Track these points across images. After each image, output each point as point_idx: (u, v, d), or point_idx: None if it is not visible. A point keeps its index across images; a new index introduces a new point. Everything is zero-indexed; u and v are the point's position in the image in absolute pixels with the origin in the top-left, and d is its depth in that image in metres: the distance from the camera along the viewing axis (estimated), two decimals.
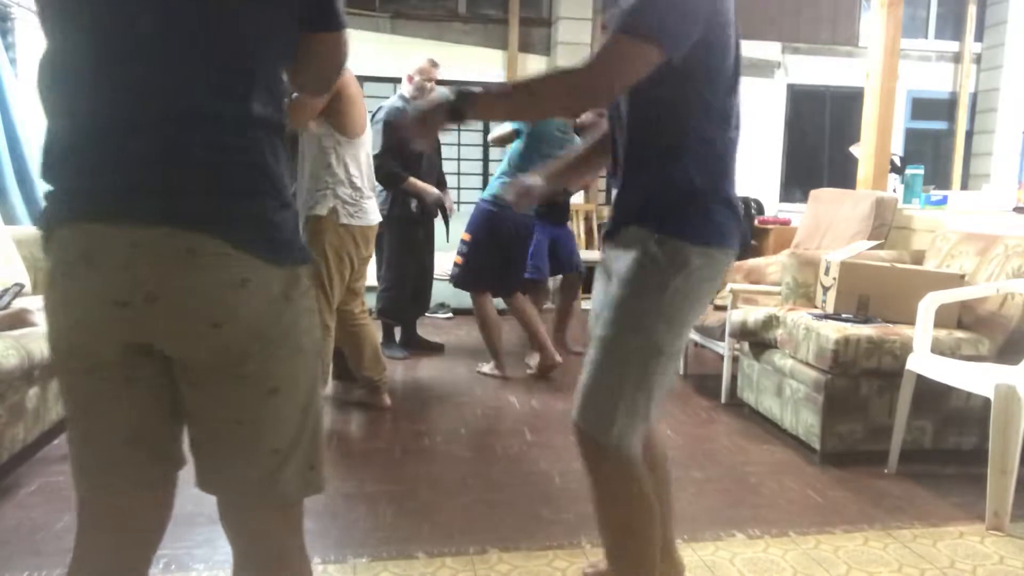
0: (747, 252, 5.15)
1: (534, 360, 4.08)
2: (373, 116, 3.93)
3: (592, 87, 1.34)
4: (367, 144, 3.11)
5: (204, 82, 1.00)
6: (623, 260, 1.48)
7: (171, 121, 0.98)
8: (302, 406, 1.10)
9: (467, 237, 3.90)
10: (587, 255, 6.40)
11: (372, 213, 3.11)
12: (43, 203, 1.04)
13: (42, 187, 2.21)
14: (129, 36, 0.98)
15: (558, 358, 3.94)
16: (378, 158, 3.75)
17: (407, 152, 4.05)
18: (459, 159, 6.93)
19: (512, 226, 3.87)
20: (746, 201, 5.42)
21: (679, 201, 1.44)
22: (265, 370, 1.05)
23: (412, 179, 4.05)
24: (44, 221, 1.02)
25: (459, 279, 3.94)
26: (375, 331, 3.40)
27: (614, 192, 1.58)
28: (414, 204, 4.12)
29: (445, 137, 4.68)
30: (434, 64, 4.18)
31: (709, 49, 1.36)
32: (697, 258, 1.43)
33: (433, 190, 4.11)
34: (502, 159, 4.04)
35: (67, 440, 1.15)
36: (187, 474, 2.46)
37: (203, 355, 1.03)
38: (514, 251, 3.95)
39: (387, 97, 6.64)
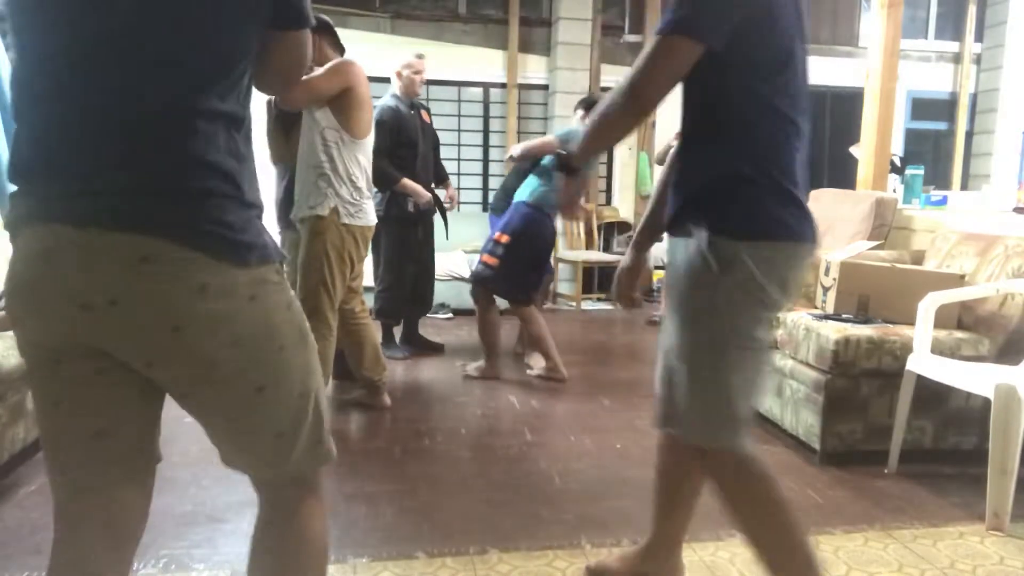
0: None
1: (534, 360, 4.09)
2: None
3: (641, 90, 1.38)
4: (369, 146, 3.12)
5: (153, 83, 0.98)
6: (680, 257, 1.50)
7: (124, 124, 0.98)
8: (297, 393, 1.12)
9: (504, 239, 3.82)
10: (587, 255, 6.42)
11: (371, 213, 3.11)
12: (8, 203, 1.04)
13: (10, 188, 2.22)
14: (79, 42, 0.98)
15: (565, 374, 3.91)
16: (372, 158, 3.78)
17: (401, 152, 4.07)
18: (459, 159, 6.93)
19: (550, 233, 3.91)
20: None
21: (726, 192, 1.44)
22: (244, 373, 1.06)
23: (405, 180, 4.05)
24: (10, 220, 1.03)
25: (490, 279, 3.83)
26: (375, 331, 3.40)
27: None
28: (411, 204, 4.12)
29: (444, 137, 4.69)
30: (420, 57, 4.19)
31: (746, 35, 1.37)
32: (748, 255, 1.41)
33: (425, 193, 4.10)
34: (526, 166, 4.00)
35: (40, 438, 1.14)
36: (187, 475, 2.46)
37: (169, 363, 1.03)
38: (543, 256, 4.00)
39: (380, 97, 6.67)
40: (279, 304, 1.09)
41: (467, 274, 5.81)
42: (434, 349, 4.58)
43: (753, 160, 1.42)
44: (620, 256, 6.63)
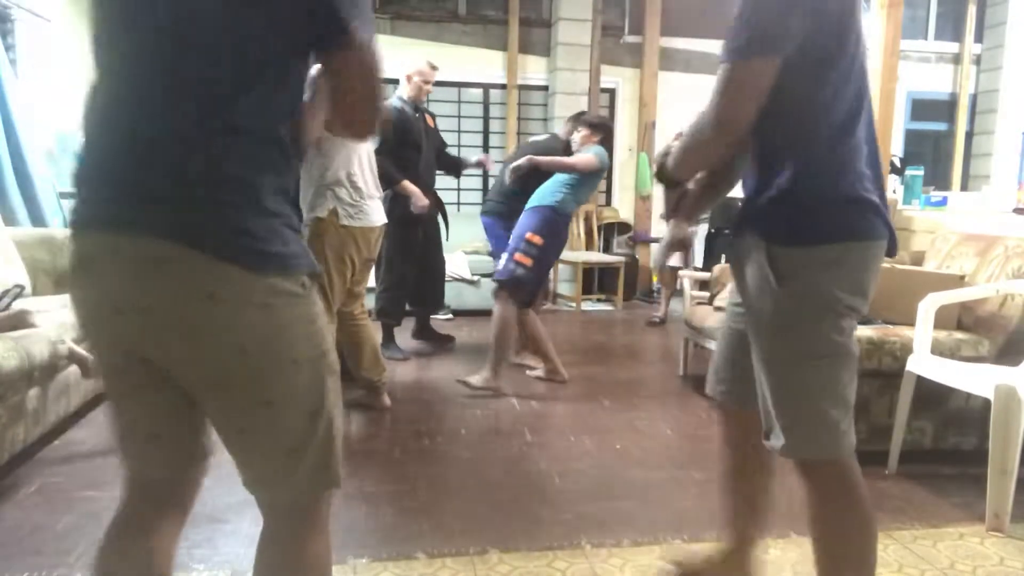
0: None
1: (532, 360, 4.10)
2: None
3: (729, 122, 1.35)
4: (369, 144, 3.12)
5: (171, 101, 1.00)
6: (745, 268, 1.49)
7: (148, 137, 1.01)
8: (307, 413, 1.09)
9: (539, 240, 3.77)
10: (587, 256, 6.42)
11: (374, 214, 3.10)
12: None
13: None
14: (120, 56, 1.04)
15: (566, 375, 3.93)
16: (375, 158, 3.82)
17: (405, 153, 4.09)
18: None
19: (566, 235, 3.96)
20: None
21: (781, 199, 1.40)
22: (252, 384, 1.04)
23: (405, 182, 4.07)
24: (69, 228, 1.09)
25: (526, 280, 3.77)
26: (374, 332, 3.40)
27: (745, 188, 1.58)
28: (412, 204, 4.15)
29: (444, 138, 4.69)
30: (433, 67, 4.24)
31: (801, 42, 1.33)
32: (809, 261, 1.38)
33: (423, 198, 4.12)
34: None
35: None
36: None
37: (187, 368, 1.05)
38: (557, 260, 4.04)
39: (388, 98, 6.67)
40: (298, 317, 1.06)
41: (468, 275, 5.82)
42: (446, 341, 4.69)
43: (816, 171, 1.38)
44: (620, 257, 6.65)
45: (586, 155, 3.82)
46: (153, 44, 1.02)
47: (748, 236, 1.45)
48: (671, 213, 1.71)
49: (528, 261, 3.72)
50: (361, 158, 3.03)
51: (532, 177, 3.98)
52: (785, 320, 1.40)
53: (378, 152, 3.94)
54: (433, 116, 4.51)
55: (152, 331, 1.02)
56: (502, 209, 4.24)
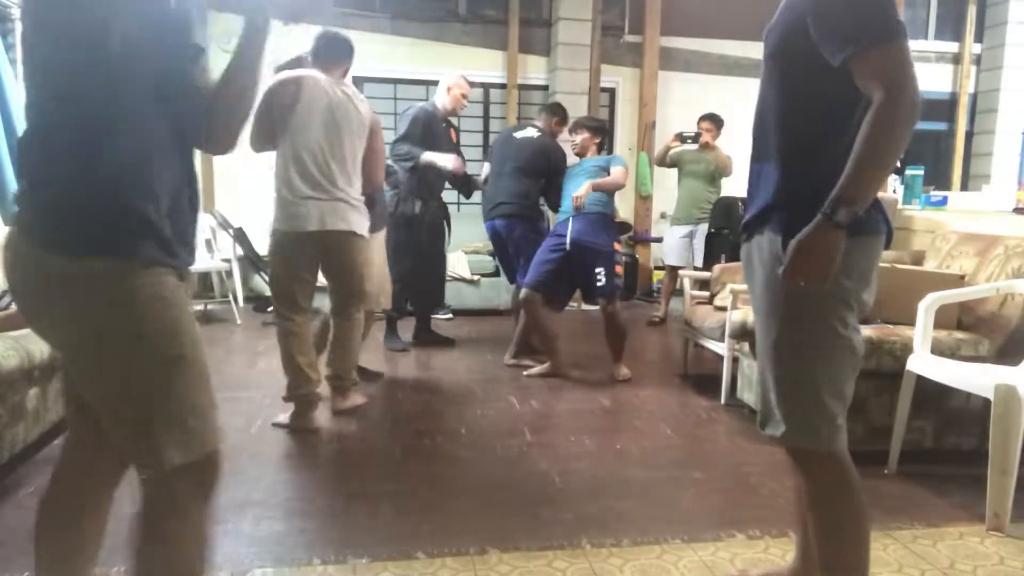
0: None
1: (530, 359, 4.16)
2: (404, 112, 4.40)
3: (911, 103, 1.30)
4: (314, 138, 2.97)
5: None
6: (756, 260, 1.51)
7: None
8: (117, 393, 1.21)
9: (619, 247, 4.11)
10: None
11: (306, 218, 2.95)
12: None
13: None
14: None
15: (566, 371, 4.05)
16: (396, 143, 4.13)
17: (431, 145, 4.24)
18: None
19: None
20: (745, 202, 5.41)
21: (801, 197, 1.41)
22: (71, 357, 1.25)
23: (427, 154, 4.17)
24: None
25: (621, 284, 4.11)
26: (356, 336, 3.29)
27: (753, 188, 1.58)
28: (418, 206, 4.22)
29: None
30: (471, 85, 4.51)
31: None
32: None
33: (450, 160, 4.20)
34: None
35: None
36: None
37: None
38: None
39: (388, 98, 6.69)
40: (97, 298, 1.15)
41: (468, 275, 5.82)
42: (444, 344, 4.72)
43: (836, 160, 1.37)
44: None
45: (619, 167, 4.08)
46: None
47: (767, 233, 1.48)
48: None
49: (620, 269, 4.06)
50: (298, 155, 2.95)
51: (551, 183, 4.24)
52: (794, 309, 1.44)
53: (402, 139, 4.17)
54: (457, 132, 4.63)
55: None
56: (523, 212, 4.30)
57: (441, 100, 4.36)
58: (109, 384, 1.18)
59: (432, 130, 4.26)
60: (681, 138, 5.62)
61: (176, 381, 1.18)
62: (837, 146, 1.38)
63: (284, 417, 3.04)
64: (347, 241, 3.05)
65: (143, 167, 1.18)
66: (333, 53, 3.13)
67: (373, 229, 3.45)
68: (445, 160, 4.18)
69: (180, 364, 1.18)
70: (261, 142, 3.00)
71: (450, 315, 5.69)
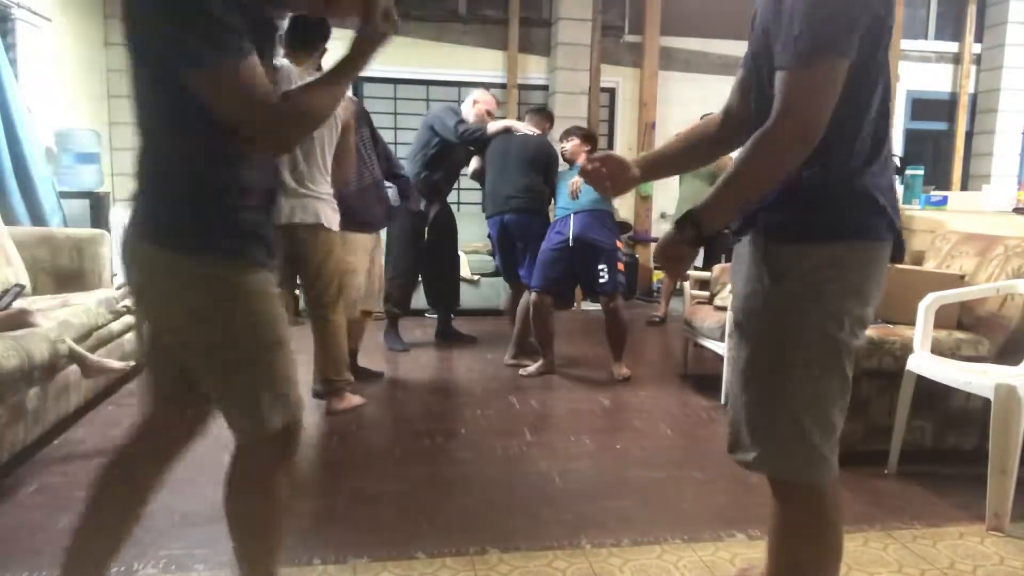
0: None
1: (526, 359, 4.18)
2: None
3: (802, 132, 1.20)
4: (313, 142, 2.96)
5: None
6: (741, 265, 1.40)
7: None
8: (222, 364, 1.39)
9: (620, 244, 4.18)
10: None
11: (289, 212, 2.93)
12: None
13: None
14: None
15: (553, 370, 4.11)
16: (459, 124, 4.26)
17: (447, 166, 4.46)
18: None
19: None
20: None
21: (789, 196, 1.29)
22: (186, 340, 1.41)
23: (496, 123, 4.43)
24: None
25: (623, 279, 4.19)
26: (342, 338, 3.22)
27: None
28: (423, 203, 4.28)
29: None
30: (497, 101, 4.69)
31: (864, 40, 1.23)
32: (808, 259, 1.28)
33: (520, 125, 4.47)
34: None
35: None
36: (187, 475, 2.45)
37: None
38: None
39: (388, 98, 6.69)
40: (220, 294, 1.35)
41: (468, 274, 5.82)
42: (467, 341, 4.86)
43: (828, 159, 1.26)
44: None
45: None
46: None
47: (751, 235, 1.37)
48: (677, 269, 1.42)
49: (622, 267, 4.12)
50: (293, 157, 2.94)
51: (547, 180, 4.32)
52: (776, 322, 1.31)
53: (461, 120, 4.32)
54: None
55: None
56: (535, 206, 4.36)
57: (467, 111, 4.47)
58: (225, 363, 1.37)
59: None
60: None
61: (276, 360, 1.39)
62: (833, 146, 1.26)
63: None
64: (315, 234, 3.02)
65: (251, 176, 1.35)
66: (304, 39, 2.99)
67: (367, 228, 3.43)
68: (520, 125, 4.43)
69: (279, 346, 1.39)
70: None
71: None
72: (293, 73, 2.88)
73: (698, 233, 1.29)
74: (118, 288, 3.71)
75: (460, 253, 4.99)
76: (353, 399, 3.28)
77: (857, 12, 1.19)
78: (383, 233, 3.98)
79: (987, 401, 2.25)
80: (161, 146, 1.31)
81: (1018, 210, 3.77)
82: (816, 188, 1.27)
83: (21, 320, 2.63)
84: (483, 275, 5.97)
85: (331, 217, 3.06)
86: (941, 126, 7.87)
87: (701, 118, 6.33)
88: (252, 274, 1.36)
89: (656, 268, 1.55)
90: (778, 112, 1.20)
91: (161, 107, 1.29)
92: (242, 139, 1.28)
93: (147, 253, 1.34)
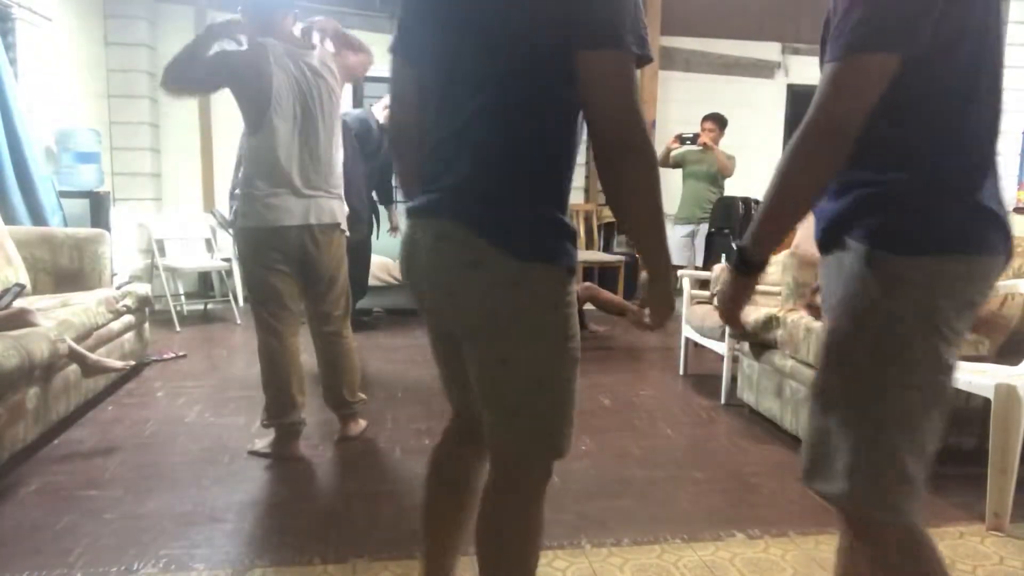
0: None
1: None
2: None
3: (830, 126, 1.11)
4: (283, 137, 2.62)
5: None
6: (834, 279, 1.24)
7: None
8: (536, 380, 1.25)
9: None
10: (587, 255, 6.41)
11: (267, 213, 2.61)
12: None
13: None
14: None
15: None
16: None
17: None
18: None
19: None
20: (746, 201, 5.43)
21: (897, 197, 1.16)
22: (492, 342, 1.24)
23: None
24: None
25: None
26: (355, 356, 3.02)
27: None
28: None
29: None
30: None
31: (944, 24, 1.10)
32: (921, 272, 1.13)
33: None
34: None
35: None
36: (187, 475, 2.47)
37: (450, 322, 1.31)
38: None
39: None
40: (542, 301, 1.22)
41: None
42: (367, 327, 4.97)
43: (941, 168, 1.15)
44: (620, 256, 6.62)
45: None
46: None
47: (846, 240, 1.20)
48: (734, 313, 1.32)
49: None
50: (266, 150, 2.61)
51: None
52: (881, 339, 1.16)
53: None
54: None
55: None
56: None
57: (379, 113, 4.60)
58: (531, 378, 1.24)
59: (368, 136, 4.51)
60: (681, 139, 5.63)
61: (575, 379, 1.27)
62: (934, 144, 1.15)
63: (263, 444, 2.74)
64: (331, 237, 2.76)
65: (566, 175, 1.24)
66: (263, 7, 2.65)
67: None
68: None
69: (578, 364, 1.28)
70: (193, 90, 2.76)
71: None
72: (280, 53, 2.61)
73: (747, 265, 1.22)
74: (118, 288, 3.72)
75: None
76: (362, 422, 3.05)
77: (921, 6, 1.07)
78: None
79: (987, 401, 2.25)
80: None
81: (1018, 210, 3.78)
82: (930, 194, 1.15)
83: (21, 320, 2.63)
84: None
85: (343, 218, 2.83)
86: None
87: (703, 120, 6.27)
88: (569, 281, 1.24)
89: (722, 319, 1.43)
90: (810, 108, 1.13)
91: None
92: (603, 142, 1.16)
93: (478, 251, 1.18)
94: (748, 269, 1.23)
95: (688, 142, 5.62)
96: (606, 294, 4.90)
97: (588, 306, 4.88)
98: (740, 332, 1.26)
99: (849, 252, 1.19)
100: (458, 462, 1.54)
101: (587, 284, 4.92)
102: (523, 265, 1.18)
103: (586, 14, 1.10)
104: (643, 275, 1.33)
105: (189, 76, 2.58)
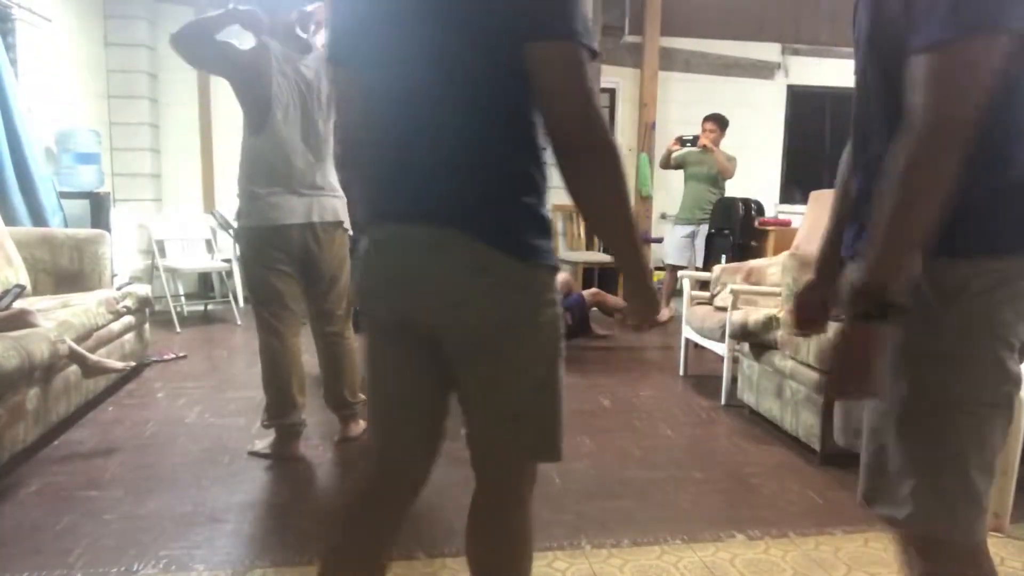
0: (747, 253, 5.16)
1: None
2: None
3: (951, 130, 0.95)
4: (283, 135, 2.61)
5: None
6: None
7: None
8: (537, 383, 1.22)
9: None
10: (587, 256, 6.42)
11: (270, 211, 2.60)
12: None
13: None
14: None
15: None
16: None
17: None
18: None
19: None
20: (746, 202, 5.43)
21: (964, 204, 1.01)
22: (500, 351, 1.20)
23: None
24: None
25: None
26: (355, 356, 2.97)
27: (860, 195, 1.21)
28: None
29: None
30: None
31: None
32: (985, 277, 1.04)
33: None
34: None
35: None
36: (187, 475, 2.48)
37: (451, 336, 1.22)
38: None
39: None
40: (539, 300, 1.19)
41: None
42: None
43: (1003, 166, 1.05)
44: None
45: None
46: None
47: None
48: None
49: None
50: (266, 149, 2.60)
51: None
52: (943, 351, 1.07)
53: None
54: None
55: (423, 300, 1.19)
56: None
57: None
58: (536, 382, 1.22)
59: None
60: (681, 142, 5.64)
61: (561, 376, 1.24)
62: (1000, 142, 1.04)
63: (263, 445, 2.73)
64: (333, 235, 2.74)
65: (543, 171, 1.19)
66: (276, 7, 2.65)
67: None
68: None
69: (562, 359, 1.25)
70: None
71: None
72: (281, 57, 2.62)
73: (882, 303, 1.00)
74: (118, 289, 3.72)
75: None
76: (362, 423, 3.00)
77: None
78: None
79: None
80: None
81: None
82: (989, 192, 1.05)
83: (21, 320, 2.63)
84: None
85: (346, 217, 2.79)
86: None
87: (703, 120, 6.27)
88: (553, 279, 1.22)
89: (833, 392, 1.08)
90: (916, 109, 0.97)
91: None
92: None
93: (477, 252, 1.12)
94: (884, 312, 1.00)
95: (688, 144, 5.62)
96: (612, 299, 4.94)
97: (592, 309, 4.89)
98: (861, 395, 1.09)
99: None
100: (377, 530, 1.42)
101: (595, 290, 4.96)
102: (526, 266, 1.14)
103: (532, 3, 1.04)
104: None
105: (198, 53, 2.58)
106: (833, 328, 1.12)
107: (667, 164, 5.81)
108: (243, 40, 2.66)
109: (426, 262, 1.15)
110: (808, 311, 1.42)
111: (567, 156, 1.08)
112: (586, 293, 4.86)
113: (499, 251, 1.12)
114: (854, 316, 1.02)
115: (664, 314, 4.72)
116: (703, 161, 5.59)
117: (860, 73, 1.24)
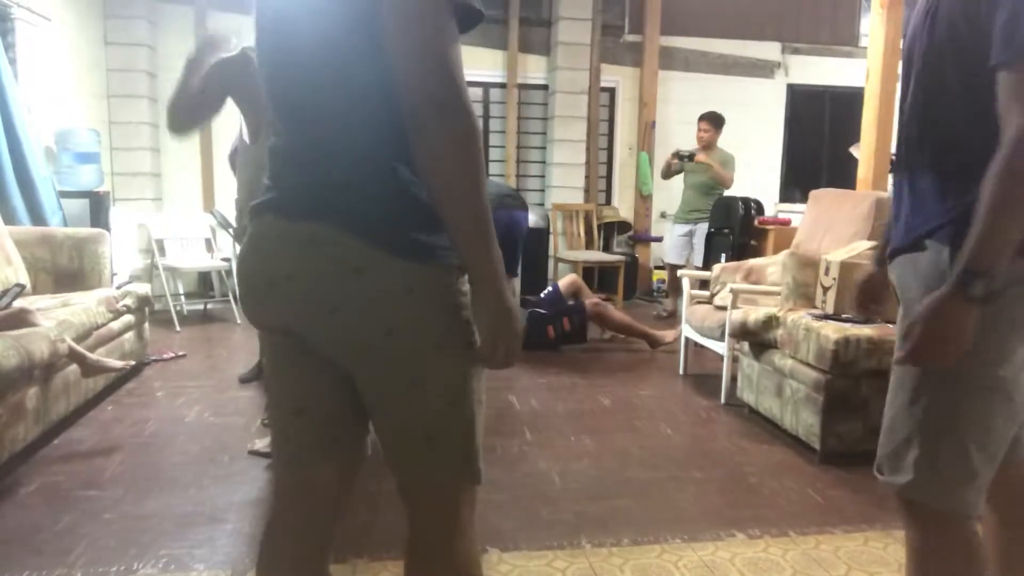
0: (747, 252, 5.16)
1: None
2: None
3: None
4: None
5: None
6: (910, 277, 1.24)
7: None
8: (447, 401, 1.09)
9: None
10: (587, 255, 6.42)
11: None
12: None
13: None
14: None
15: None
16: None
17: None
18: None
19: None
20: (745, 201, 5.43)
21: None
22: (397, 364, 1.06)
23: None
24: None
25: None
26: None
27: (898, 204, 1.30)
28: None
29: None
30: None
31: None
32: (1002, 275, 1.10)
33: None
34: None
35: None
36: (187, 475, 2.48)
37: (334, 347, 1.08)
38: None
39: None
40: (448, 306, 1.05)
41: None
42: None
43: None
44: (620, 256, 6.63)
45: None
46: None
47: (930, 245, 1.19)
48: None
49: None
50: (256, 161, 2.58)
51: None
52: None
53: None
54: None
55: (298, 305, 1.05)
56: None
57: None
58: (439, 395, 1.07)
59: None
60: (679, 156, 5.63)
61: (482, 391, 1.14)
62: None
63: (263, 444, 2.71)
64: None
65: None
66: None
67: None
68: None
69: (481, 373, 1.14)
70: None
71: None
72: None
73: (988, 283, 1.06)
74: (118, 288, 3.72)
75: None
76: None
77: None
78: None
79: None
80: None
81: None
82: None
83: (21, 320, 2.63)
84: None
85: None
86: None
87: (698, 119, 6.27)
88: (463, 282, 1.08)
89: (914, 357, 1.13)
90: (1011, 126, 1.02)
91: None
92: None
93: (364, 254, 1.00)
94: (980, 299, 1.07)
95: (686, 159, 5.61)
96: (616, 314, 4.78)
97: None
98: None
99: (927, 252, 1.20)
100: (299, 548, 1.22)
101: (596, 301, 4.81)
102: (412, 267, 1.01)
103: None
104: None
105: (198, 116, 2.48)
106: (922, 302, 1.14)
107: (668, 175, 5.86)
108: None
109: (297, 263, 1.02)
110: (870, 295, 1.54)
111: (413, 120, 0.95)
112: (589, 303, 4.77)
113: (379, 250, 0.99)
114: (965, 297, 1.07)
115: (668, 335, 4.62)
116: (703, 170, 5.59)
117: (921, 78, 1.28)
